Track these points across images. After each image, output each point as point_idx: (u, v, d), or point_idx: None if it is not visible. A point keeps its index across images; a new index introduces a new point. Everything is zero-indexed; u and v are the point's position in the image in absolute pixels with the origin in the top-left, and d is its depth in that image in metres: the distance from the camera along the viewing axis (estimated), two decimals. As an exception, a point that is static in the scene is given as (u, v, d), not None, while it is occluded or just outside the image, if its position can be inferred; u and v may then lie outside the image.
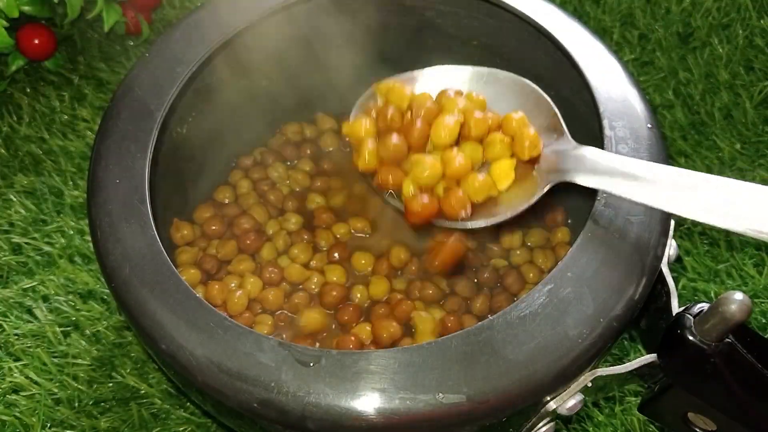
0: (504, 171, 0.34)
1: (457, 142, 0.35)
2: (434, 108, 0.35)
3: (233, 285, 0.37)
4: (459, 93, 0.36)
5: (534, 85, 0.36)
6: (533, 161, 0.34)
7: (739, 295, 0.25)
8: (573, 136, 0.38)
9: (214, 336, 0.27)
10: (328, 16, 0.40)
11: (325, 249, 0.40)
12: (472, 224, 0.34)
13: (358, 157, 0.36)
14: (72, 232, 0.44)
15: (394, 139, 0.34)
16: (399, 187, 0.35)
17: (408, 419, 0.25)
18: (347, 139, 0.37)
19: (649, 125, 0.32)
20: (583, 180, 0.30)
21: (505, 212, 0.33)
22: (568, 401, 0.27)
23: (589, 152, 0.31)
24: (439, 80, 0.38)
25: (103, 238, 0.30)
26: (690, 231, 0.43)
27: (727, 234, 0.43)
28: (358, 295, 0.38)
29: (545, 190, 0.32)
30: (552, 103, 0.35)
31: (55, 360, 0.40)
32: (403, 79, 0.38)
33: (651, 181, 0.27)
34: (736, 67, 0.50)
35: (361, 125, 0.36)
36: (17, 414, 0.38)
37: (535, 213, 0.41)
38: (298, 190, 0.42)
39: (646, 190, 0.27)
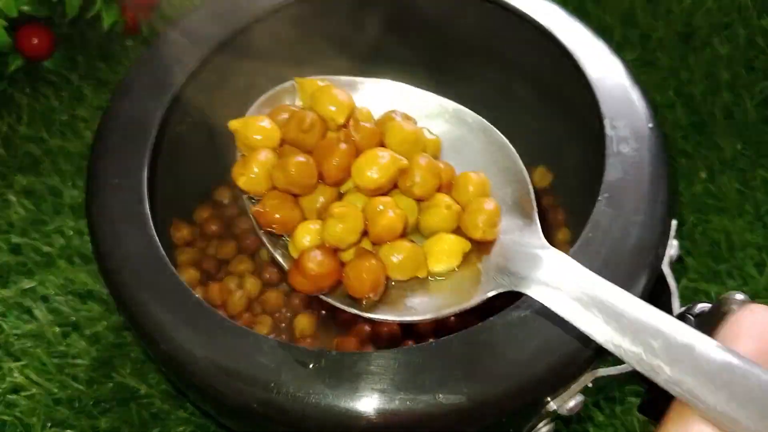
0: (445, 250, 0.25)
1: (387, 192, 0.26)
2: (374, 132, 0.26)
3: (233, 285, 0.37)
4: (410, 120, 0.27)
5: (509, 145, 0.27)
6: (483, 247, 0.25)
7: (740, 296, 0.25)
8: (571, 138, 0.38)
9: (214, 336, 0.27)
10: (328, 15, 0.40)
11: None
12: (374, 315, 0.25)
13: (240, 168, 0.26)
14: (71, 233, 0.44)
15: (301, 158, 0.25)
16: (288, 231, 0.26)
17: (408, 419, 0.25)
18: (235, 141, 0.27)
19: (650, 125, 0.32)
20: (542, 297, 0.23)
21: (424, 311, 0.25)
22: (568, 402, 0.27)
23: (560, 261, 0.23)
24: (388, 100, 0.29)
25: (103, 239, 0.30)
26: (691, 231, 0.43)
27: (728, 234, 0.43)
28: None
29: (487, 296, 0.24)
30: (527, 175, 0.27)
31: (55, 360, 0.40)
32: (340, 83, 0.28)
33: (640, 331, 0.20)
34: (737, 66, 0.50)
35: (256, 123, 0.26)
36: (17, 414, 0.38)
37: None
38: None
39: (635, 346, 0.20)
